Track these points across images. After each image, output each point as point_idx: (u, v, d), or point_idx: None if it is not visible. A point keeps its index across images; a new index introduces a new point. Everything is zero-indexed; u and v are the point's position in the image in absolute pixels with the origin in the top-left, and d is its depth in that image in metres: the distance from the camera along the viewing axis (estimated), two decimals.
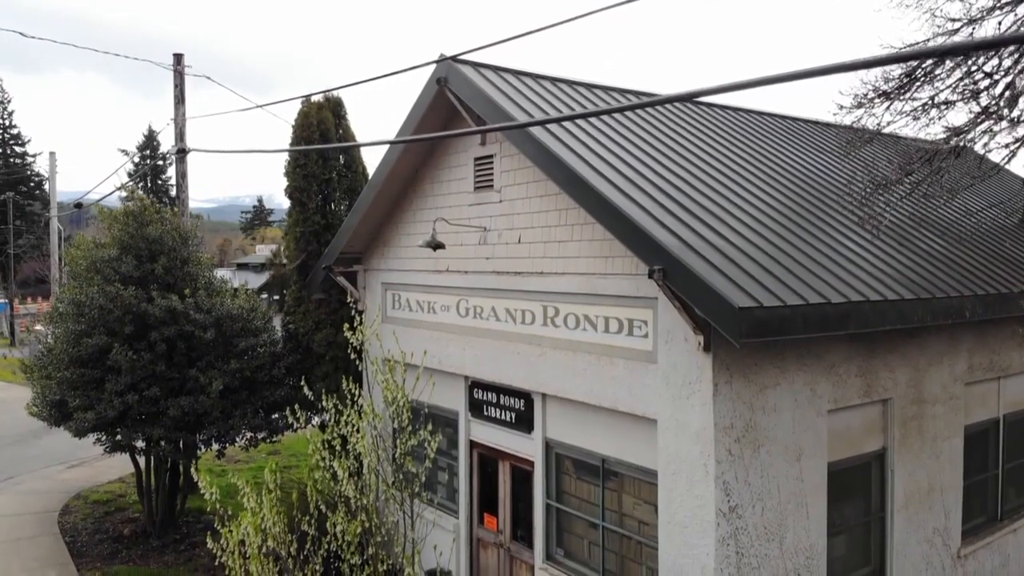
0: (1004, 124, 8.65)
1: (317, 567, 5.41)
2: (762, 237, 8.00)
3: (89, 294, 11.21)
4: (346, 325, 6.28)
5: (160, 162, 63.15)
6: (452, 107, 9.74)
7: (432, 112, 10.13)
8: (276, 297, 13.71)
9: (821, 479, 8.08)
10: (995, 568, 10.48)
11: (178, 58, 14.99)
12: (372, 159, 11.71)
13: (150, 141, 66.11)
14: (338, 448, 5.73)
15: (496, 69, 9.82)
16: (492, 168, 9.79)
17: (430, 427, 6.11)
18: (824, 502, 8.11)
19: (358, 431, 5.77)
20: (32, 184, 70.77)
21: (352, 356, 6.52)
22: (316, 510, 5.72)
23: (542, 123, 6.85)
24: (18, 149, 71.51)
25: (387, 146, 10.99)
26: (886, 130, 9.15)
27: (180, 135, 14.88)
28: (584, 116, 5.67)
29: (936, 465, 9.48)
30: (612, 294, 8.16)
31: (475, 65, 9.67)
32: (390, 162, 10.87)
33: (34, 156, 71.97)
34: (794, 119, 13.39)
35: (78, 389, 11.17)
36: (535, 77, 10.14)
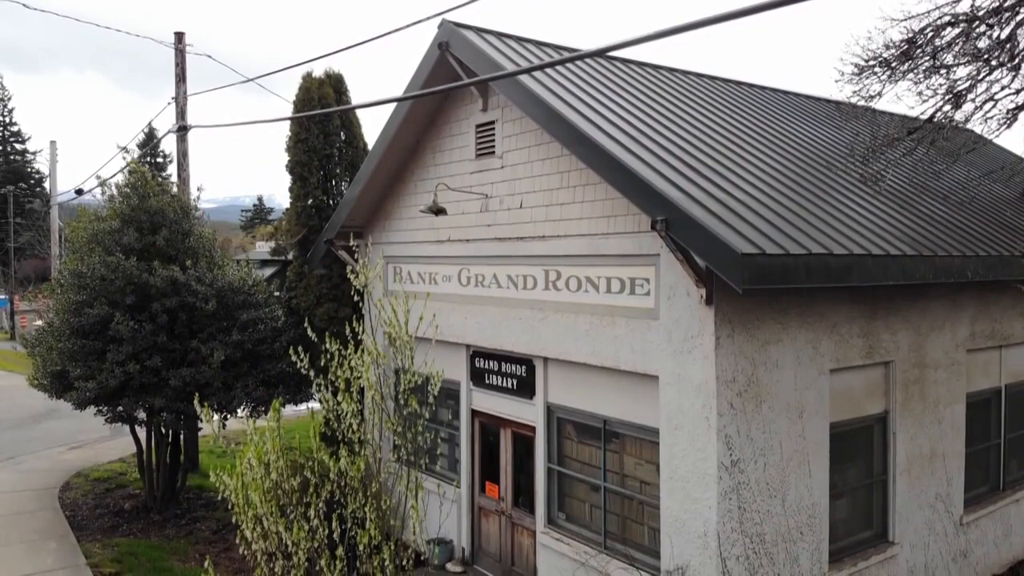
0: (1005, 76, 8.64)
1: (320, 505, 5.41)
2: (765, 194, 8.00)
3: (90, 264, 11.20)
4: (349, 268, 6.27)
5: (160, 159, 63.21)
6: (453, 73, 9.73)
7: (433, 79, 10.11)
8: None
9: (823, 438, 8.07)
10: (998, 537, 10.47)
11: (179, 36, 15.00)
12: (373, 135, 11.90)
13: (150, 139, 66.15)
14: (341, 388, 5.73)
15: (499, 35, 9.83)
16: (494, 134, 9.79)
17: (434, 362, 6.12)
18: (826, 461, 8.10)
19: (362, 363, 5.76)
20: (32, 181, 70.79)
21: (355, 298, 6.50)
22: (319, 452, 5.72)
23: (534, 70, 6.86)
24: (18, 147, 71.55)
25: (388, 119, 11.00)
26: (887, 95, 9.16)
27: (181, 113, 14.88)
28: (579, 58, 5.68)
29: (938, 430, 9.47)
30: (614, 253, 8.16)
31: (477, 30, 9.67)
32: (390, 132, 10.87)
33: (34, 153, 72.03)
34: (796, 94, 13.41)
35: (79, 360, 11.16)
36: (538, 44, 10.14)
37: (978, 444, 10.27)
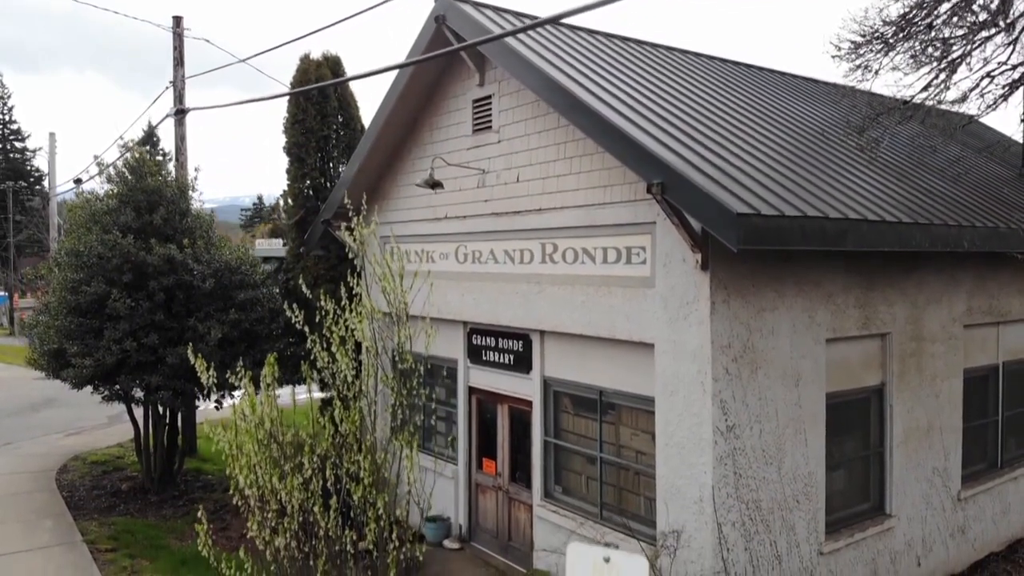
0: (1001, 51, 8.66)
1: (315, 459, 5.40)
2: (761, 162, 8.00)
3: (88, 243, 11.21)
4: (344, 225, 6.27)
5: (160, 157, 63.11)
6: (450, 47, 9.72)
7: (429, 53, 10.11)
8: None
9: (819, 407, 8.06)
10: (996, 514, 10.46)
11: (177, 21, 15.02)
12: (371, 117, 11.73)
13: (150, 137, 66.15)
14: (336, 343, 5.73)
15: (496, 9, 9.84)
16: (491, 109, 9.79)
17: (429, 321, 6.11)
18: (823, 431, 8.09)
19: (358, 315, 5.76)
20: (32, 179, 70.74)
21: (350, 256, 6.52)
22: (313, 411, 5.73)
23: (525, 29, 6.90)
24: (18, 144, 71.53)
25: (384, 96, 10.99)
26: (884, 66, 9.17)
27: (179, 97, 14.89)
28: (573, 13, 5.69)
29: (935, 404, 9.46)
30: (610, 223, 8.15)
31: (474, 3, 9.68)
32: (387, 109, 10.85)
33: (34, 151, 71.91)
34: (793, 75, 13.41)
35: (76, 338, 11.15)
36: (536, 19, 10.13)
37: (976, 420, 10.26)
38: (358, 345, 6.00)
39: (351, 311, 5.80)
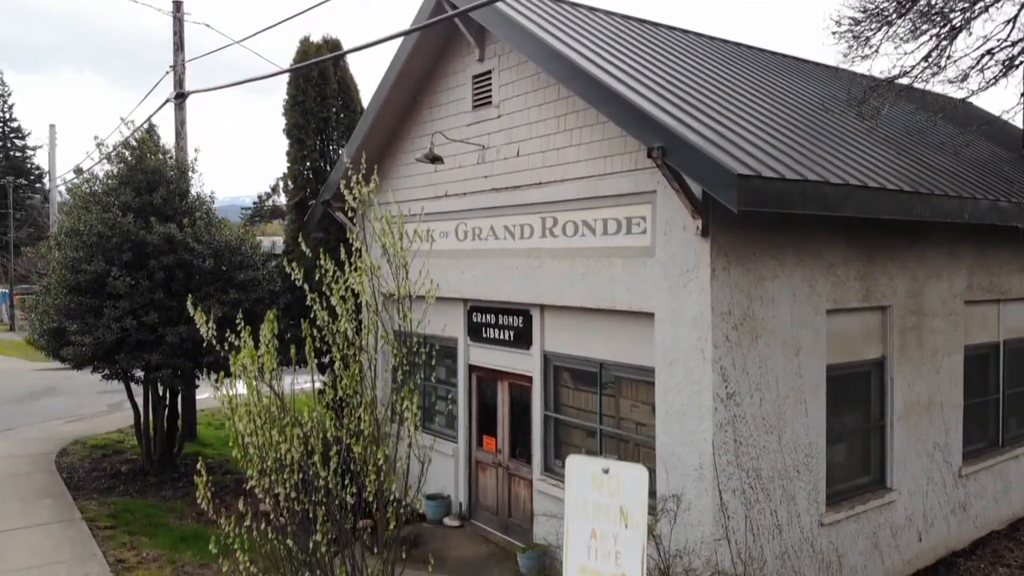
0: (1000, 29, 8.65)
1: (315, 416, 5.40)
2: (761, 129, 7.98)
3: (87, 221, 11.19)
4: (342, 183, 6.26)
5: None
6: (450, 21, 9.71)
7: (429, 32, 10.10)
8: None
9: (820, 378, 8.05)
10: (997, 492, 10.44)
11: (177, 5, 15.02)
12: (370, 100, 11.73)
13: (150, 135, 66.08)
14: (336, 301, 5.72)
15: None
16: (491, 84, 9.78)
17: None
18: (823, 401, 8.07)
19: (355, 269, 5.75)
20: (32, 177, 70.76)
21: (349, 215, 6.51)
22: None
23: None
24: (18, 142, 71.56)
25: (383, 75, 10.98)
26: (888, 37, 9.17)
27: (179, 82, 14.89)
28: None
29: (936, 379, 9.45)
30: (611, 194, 8.13)
31: None
32: (386, 87, 10.85)
33: (34, 149, 71.93)
34: (795, 57, 13.40)
35: (76, 316, 11.14)
36: None
37: (977, 398, 10.24)
38: (358, 307, 5.99)
39: (351, 267, 5.80)
